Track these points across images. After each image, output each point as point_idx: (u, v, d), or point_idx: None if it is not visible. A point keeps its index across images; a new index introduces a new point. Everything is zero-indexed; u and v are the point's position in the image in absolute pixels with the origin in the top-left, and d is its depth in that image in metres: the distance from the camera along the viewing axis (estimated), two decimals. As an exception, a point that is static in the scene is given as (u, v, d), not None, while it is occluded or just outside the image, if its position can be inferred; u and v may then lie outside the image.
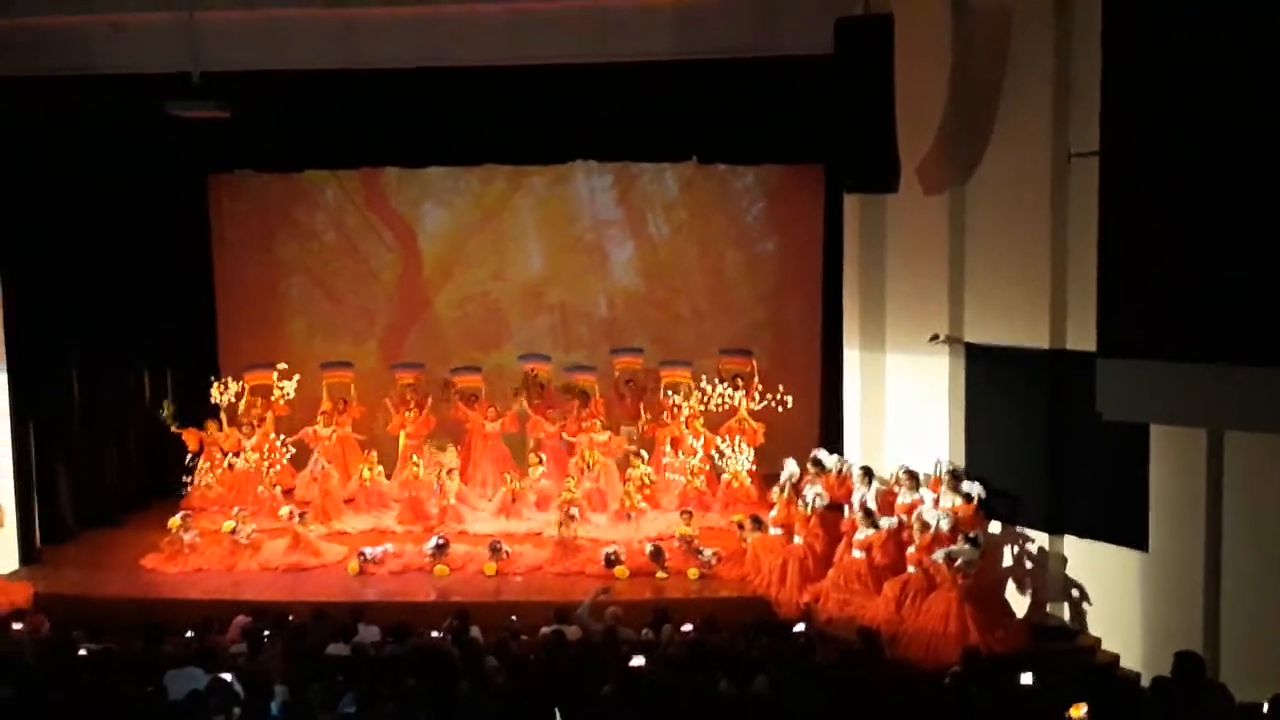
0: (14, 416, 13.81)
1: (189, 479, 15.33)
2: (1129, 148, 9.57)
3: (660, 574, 13.05)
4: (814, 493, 12.60)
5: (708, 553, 13.20)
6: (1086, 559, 11.50)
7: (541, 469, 15.33)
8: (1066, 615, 11.68)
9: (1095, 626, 11.43)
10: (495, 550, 13.44)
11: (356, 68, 13.26)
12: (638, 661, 8.77)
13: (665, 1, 12.69)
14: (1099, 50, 9.63)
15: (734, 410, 15.38)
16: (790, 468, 13.22)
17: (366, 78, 13.40)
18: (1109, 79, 9.59)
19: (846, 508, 12.59)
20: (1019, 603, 11.90)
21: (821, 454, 13.62)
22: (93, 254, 15.10)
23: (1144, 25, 9.36)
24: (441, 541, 13.65)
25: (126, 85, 13.25)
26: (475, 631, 10.49)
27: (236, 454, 15.53)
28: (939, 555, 11.14)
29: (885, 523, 11.97)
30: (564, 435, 15.63)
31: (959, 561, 11.05)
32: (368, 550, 13.58)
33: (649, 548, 13.38)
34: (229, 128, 13.45)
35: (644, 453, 15.33)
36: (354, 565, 13.42)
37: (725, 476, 15.04)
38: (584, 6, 12.75)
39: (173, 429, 15.51)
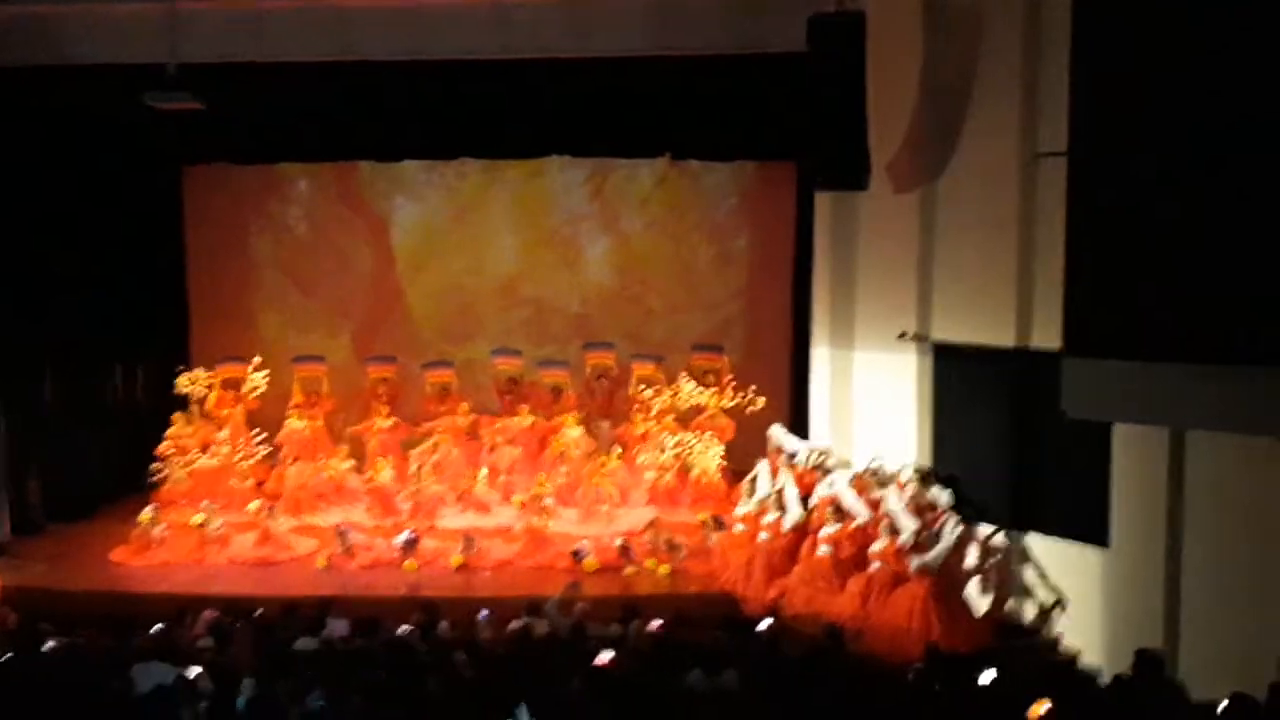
0: (-17, 409, 13.78)
1: (158, 472, 15.24)
2: (1096, 147, 9.64)
3: (629, 569, 13.10)
4: (792, 519, 12.57)
5: (680, 547, 13.26)
6: (1049, 555, 11.60)
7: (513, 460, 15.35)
8: (1029, 612, 11.78)
9: (1057, 624, 11.53)
10: (469, 544, 13.45)
11: (332, 60, 13.25)
12: (604, 658, 8.79)
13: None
14: (1068, 50, 9.71)
15: (704, 406, 15.43)
16: (763, 480, 13.23)
17: (341, 70, 13.40)
18: (1077, 79, 9.67)
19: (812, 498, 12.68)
20: (981, 599, 11.99)
21: (781, 434, 13.63)
22: (65, 245, 15.05)
23: (1113, 25, 9.44)
24: (412, 536, 13.66)
25: (102, 76, 13.19)
26: (444, 626, 10.51)
27: (206, 448, 15.49)
28: (914, 563, 11.25)
29: (861, 511, 12.05)
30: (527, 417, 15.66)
31: (929, 559, 11.18)
32: (350, 533, 13.60)
33: (618, 542, 13.43)
34: (204, 119, 13.45)
35: (618, 448, 15.40)
36: (336, 547, 13.48)
37: (695, 472, 15.08)
38: (559, 1, 12.75)
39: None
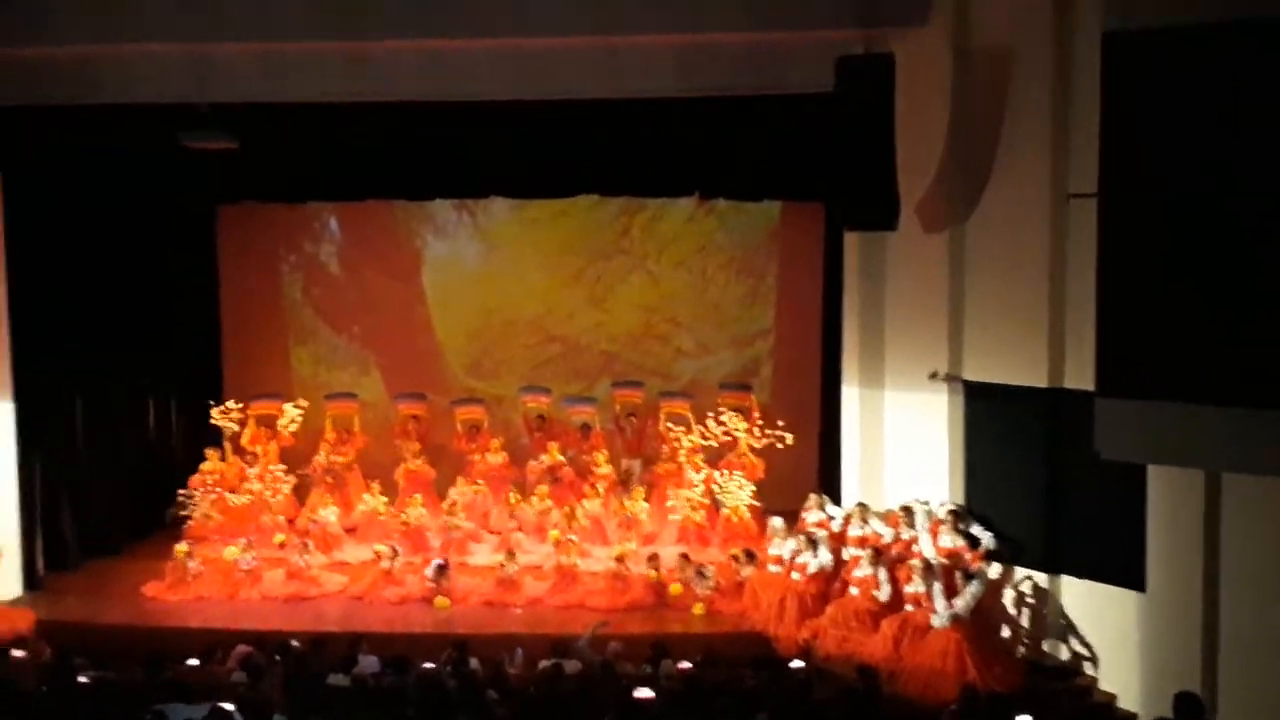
0: (19, 444, 13.86)
1: (187, 507, 15.27)
2: (1128, 189, 9.65)
3: (673, 585, 13.25)
4: (819, 564, 12.55)
5: (709, 574, 13.29)
6: (1084, 599, 11.53)
7: (549, 501, 15.35)
8: (1064, 655, 11.70)
9: (1092, 666, 11.45)
10: (440, 571, 13.54)
11: (363, 100, 13.36)
12: (644, 694, 8.78)
13: (669, 39, 12.78)
14: (1098, 91, 9.74)
15: (734, 444, 15.43)
16: (778, 538, 13.19)
17: (373, 110, 13.50)
18: (1108, 120, 9.68)
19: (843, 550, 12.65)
20: (1017, 642, 11.92)
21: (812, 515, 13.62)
22: (100, 282, 15.20)
23: (1143, 66, 9.46)
24: (442, 563, 13.72)
25: (137, 115, 13.34)
26: (475, 663, 10.51)
27: (239, 484, 15.57)
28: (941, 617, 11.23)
29: (884, 530, 12.02)
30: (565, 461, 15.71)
31: (964, 603, 11.14)
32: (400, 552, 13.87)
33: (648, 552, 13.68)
34: (236, 158, 13.60)
35: (644, 485, 15.42)
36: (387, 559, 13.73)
37: (725, 511, 15.07)
38: (588, 44, 12.85)
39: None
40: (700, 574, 13.31)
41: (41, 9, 12.47)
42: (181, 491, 15.30)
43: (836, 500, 13.76)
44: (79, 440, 15.11)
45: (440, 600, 13.40)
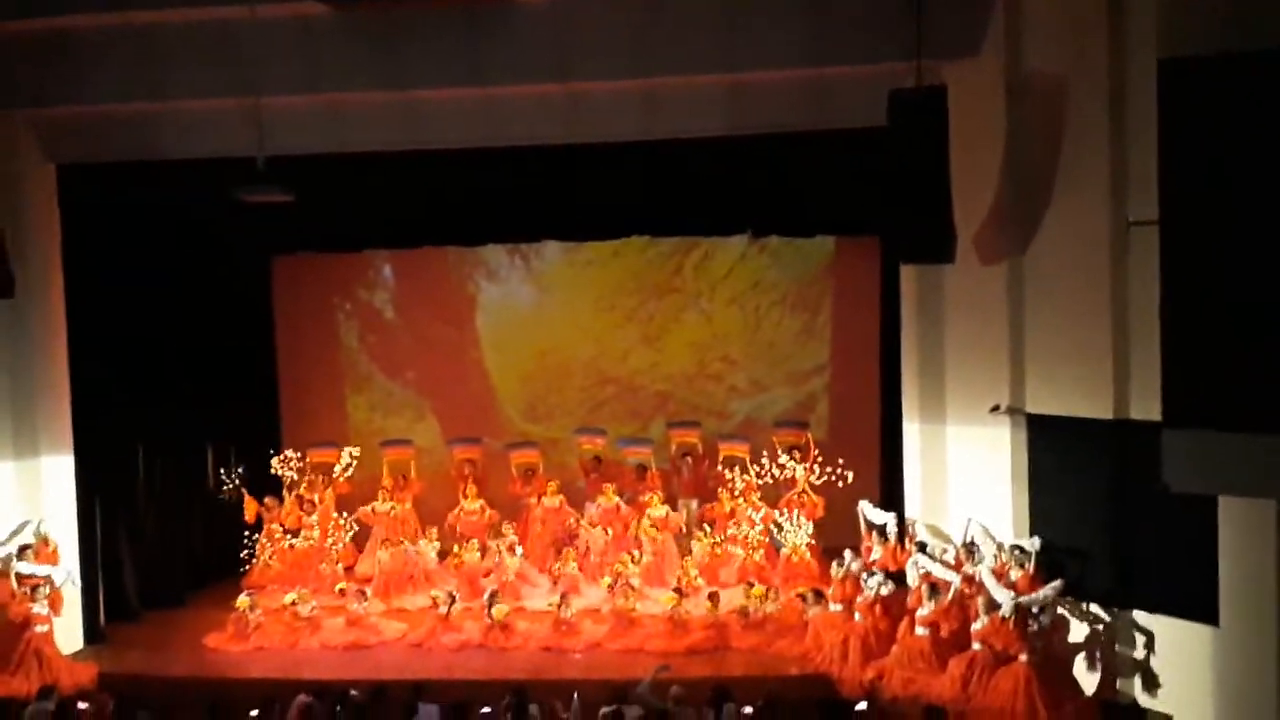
0: (80, 496, 14.00)
1: (250, 556, 15.40)
2: (1189, 215, 9.50)
3: (709, 607, 13.40)
4: (877, 581, 12.45)
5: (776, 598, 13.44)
6: (1156, 634, 11.27)
7: (603, 542, 15.30)
8: (1137, 692, 11.43)
9: (1166, 704, 11.17)
10: (493, 596, 13.71)
11: (414, 149, 13.47)
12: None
13: (718, 79, 12.77)
14: (1155, 116, 9.61)
15: (792, 483, 15.29)
16: (849, 560, 13.07)
17: (424, 158, 13.61)
18: (1165, 146, 9.55)
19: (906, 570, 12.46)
20: (1087, 680, 11.67)
21: (868, 509, 13.50)
22: (158, 334, 15.35)
23: (1199, 92, 9.34)
24: (495, 589, 13.95)
25: (193, 170, 13.52)
26: (534, 710, 10.43)
27: (297, 532, 15.64)
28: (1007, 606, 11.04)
29: (951, 577, 11.84)
30: (621, 505, 15.65)
31: (1034, 626, 10.91)
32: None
33: (707, 591, 13.76)
34: (291, 210, 13.71)
35: (706, 527, 15.32)
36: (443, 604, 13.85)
37: (785, 550, 14.92)
38: (638, 87, 12.88)
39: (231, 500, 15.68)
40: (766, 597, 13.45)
41: (100, 68, 12.70)
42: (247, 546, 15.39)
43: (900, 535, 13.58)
44: (139, 492, 15.24)
45: (498, 609, 13.53)
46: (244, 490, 15.81)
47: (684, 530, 15.55)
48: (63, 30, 12.53)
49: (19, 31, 12.53)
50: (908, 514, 13.51)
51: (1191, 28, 9.56)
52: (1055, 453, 11.98)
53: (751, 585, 13.86)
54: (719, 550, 15.01)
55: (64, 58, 12.71)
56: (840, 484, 14.77)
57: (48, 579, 12.83)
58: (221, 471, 16.06)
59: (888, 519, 13.40)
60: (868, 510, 13.70)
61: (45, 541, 13.30)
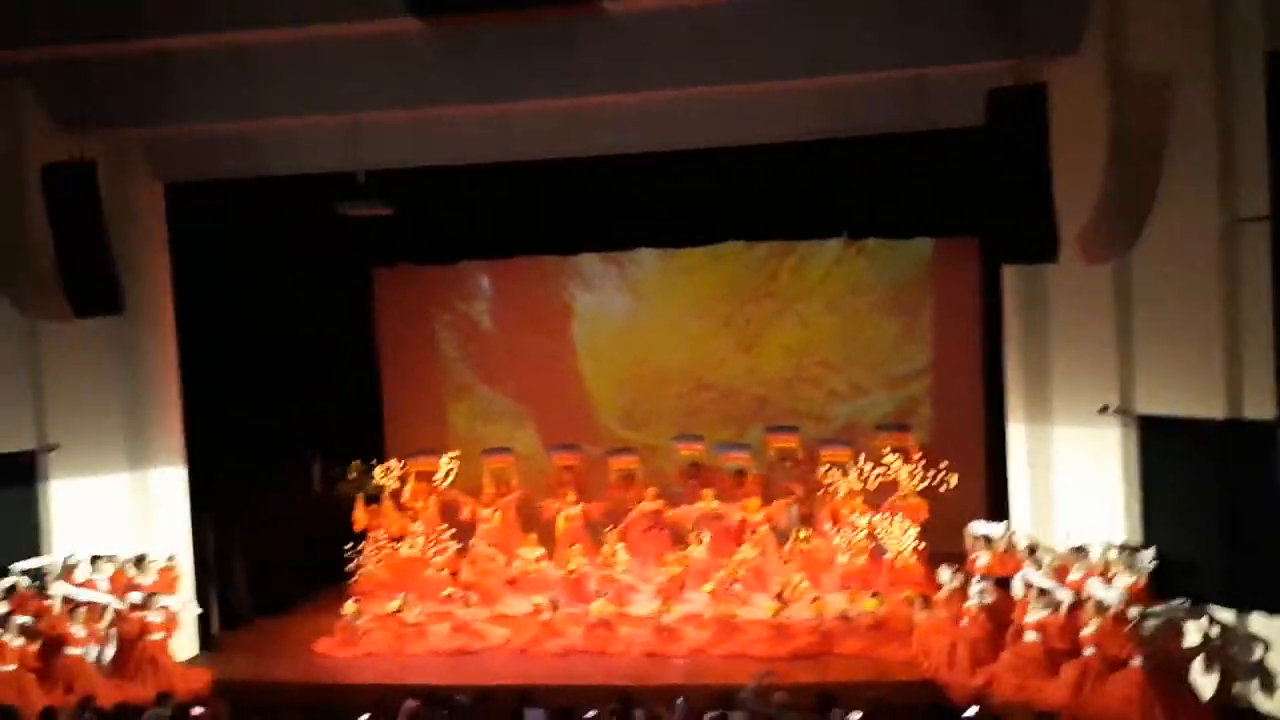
0: (193, 508, 14.34)
1: (356, 563, 15.64)
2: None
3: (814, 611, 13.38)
4: (979, 589, 12.30)
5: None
6: (1275, 636, 10.97)
7: (703, 546, 15.29)
8: (1257, 696, 11.14)
9: (1288, 708, 10.89)
10: (555, 606, 13.86)
11: (509, 160, 13.59)
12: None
13: (811, 83, 12.71)
14: (1264, 110, 9.39)
15: (895, 487, 15.15)
16: (950, 578, 12.92)
17: (518, 170, 13.74)
18: (1275, 139, 9.33)
19: (1013, 582, 12.27)
20: (1204, 684, 11.40)
21: (981, 526, 13.34)
22: (265, 347, 15.67)
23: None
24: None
25: (295, 186, 13.78)
26: (639, 715, 10.43)
27: (400, 539, 15.84)
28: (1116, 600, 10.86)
29: (1063, 594, 11.61)
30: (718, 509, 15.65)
31: (1149, 625, 10.72)
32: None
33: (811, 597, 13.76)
34: (390, 222, 13.94)
35: (806, 531, 15.25)
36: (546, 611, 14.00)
37: (889, 555, 14.79)
38: (731, 92, 12.86)
39: (360, 498, 15.95)
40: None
41: (204, 88, 12.98)
42: (349, 548, 15.66)
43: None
44: (249, 501, 15.55)
45: (597, 606, 13.86)
46: (362, 484, 16.01)
47: (791, 532, 15.45)
48: (167, 52, 12.80)
49: (125, 53, 12.83)
50: (1014, 517, 13.34)
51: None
52: (1166, 454, 11.73)
53: (851, 591, 13.81)
54: (809, 544, 14.93)
55: (169, 79, 12.99)
56: (943, 488, 14.60)
57: (163, 605, 13.11)
58: (336, 469, 16.34)
59: (995, 530, 13.21)
60: (977, 528, 13.46)
61: (169, 569, 13.59)
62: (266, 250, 15.51)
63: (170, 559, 13.66)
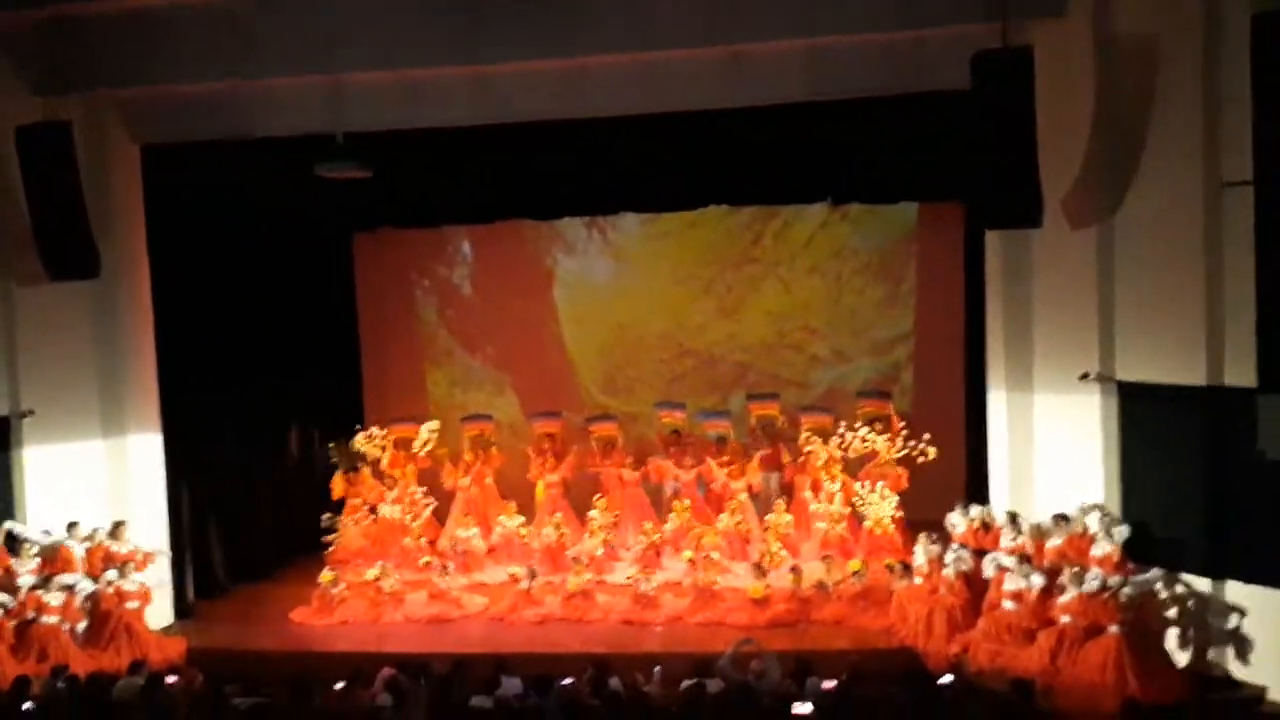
0: (168, 476, 14.22)
1: (332, 533, 15.56)
2: (1285, 175, 9.20)
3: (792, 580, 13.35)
4: (955, 556, 12.27)
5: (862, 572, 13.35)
6: (1251, 604, 10.97)
7: (688, 514, 15.25)
8: (1230, 663, 11.14)
9: (1260, 674, 10.88)
10: (532, 575, 13.77)
11: (491, 123, 13.43)
12: (802, 710, 8.58)
13: (797, 45, 12.57)
14: (1249, 74, 9.29)
15: (874, 455, 15.09)
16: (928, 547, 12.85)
17: (501, 132, 13.56)
18: (1260, 105, 9.24)
19: (984, 563, 12.22)
20: (1179, 651, 11.40)
21: (956, 516, 13.27)
22: (242, 312, 15.53)
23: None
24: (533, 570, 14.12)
25: (274, 148, 13.61)
26: (615, 683, 10.40)
27: (376, 508, 15.76)
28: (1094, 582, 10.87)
29: (1036, 580, 11.58)
30: (700, 477, 15.60)
31: (1118, 592, 10.72)
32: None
33: (789, 565, 13.66)
34: (371, 185, 13.78)
35: (784, 499, 15.21)
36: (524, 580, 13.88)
37: (868, 523, 14.75)
38: (715, 53, 12.71)
39: (338, 467, 15.87)
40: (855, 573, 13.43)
41: (181, 48, 12.80)
42: (326, 516, 15.57)
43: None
44: (225, 468, 15.45)
45: (574, 579, 13.81)
46: (348, 457, 15.94)
47: (768, 502, 15.40)
48: (143, 11, 12.64)
49: (100, 13, 12.66)
50: (994, 484, 13.31)
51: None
52: (1147, 420, 11.69)
53: (828, 558, 13.79)
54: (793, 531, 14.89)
55: (145, 39, 12.83)
56: (921, 458, 14.55)
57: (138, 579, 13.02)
58: (319, 441, 16.26)
59: (972, 514, 13.15)
60: (953, 519, 13.37)
61: (148, 554, 13.44)
62: (245, 214, 15.36)
63: (149, 551, 13.48)
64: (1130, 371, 11.80)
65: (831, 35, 12.36)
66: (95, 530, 13.26)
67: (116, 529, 13.37)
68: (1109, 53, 11.70)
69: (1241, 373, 10.35)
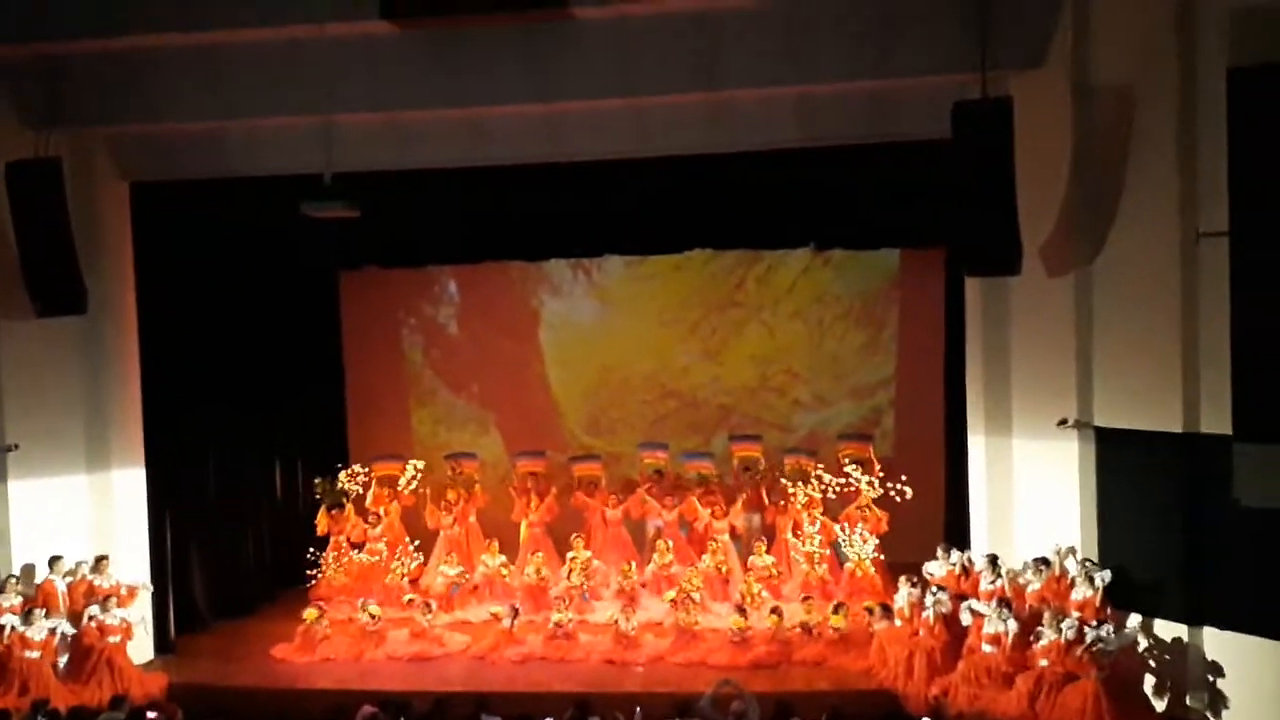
0: (151, 510, 14.21)
1: (316, 569, 15.55)
2: (1260, 226, 9.38)
3: (774, 621, 13.37)
4: (934, 599, 12.35)
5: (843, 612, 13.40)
6: (1228, 651, 11.07)
7: (670, 556, 15.30)
8: (1207, 710, 11.22)
9: (1240, 720, 10.99)
10: (515, 614, 13.82)
11: (478, 165, 13.57)
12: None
13: (781, 93, 12.77)
14: (1225, 126, 9.49)
15: (855, 496, 15.19)
16: (908, 590, 12.93)
17: (488, 174, 13.70)
18: (1236, 156, 9.43)
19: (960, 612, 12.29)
20: (1157, 697, 11.48)
21: (934, 565, 13.35)
22: (228, 348, 15.56)
23: (1271, 99, 9.22)
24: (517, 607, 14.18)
25: (263, 187, 13.71)
26: (596, 723, 10.44)
27: (361, 545, 15.77)
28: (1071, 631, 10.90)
29: (1013, 625, 11.66)
30: (682, 517, 15.65)
31: (1096, 647, 10.79)
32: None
33: (770, 606, 13.68)
34: (357, 225, 13.86)
35: (765, 540, 15.29)
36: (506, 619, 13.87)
37: (848, 565, 14.83)
38: (701, 100, 12.88)
39: (324, 504, 15.89)
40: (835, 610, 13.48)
41: (172, 86, 12.92)
42: (310, 552, 15.59)
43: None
44: (209, 503, 15.44)
45: (558, 616, 13.86)
46: (333, 495, 15.97)
47: (749, 544, 15.47)
48: (135, 50, 12.74)
49: (92, 52, 12.77)
50: (973, 529, 13.41)
51: (1261, 37, 9.45)
52: (1124, 466, 11.81)
53: (808, 599, 13.84)
54: (777, 571, 14.94)
55: (136, 78, 12.94)
56: (899, 499, 14.66)
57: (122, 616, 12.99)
58: (303, 478, 16.30)
59: (950, 562, 13.23)
60: (930, 567, 13.44)
61: (131, 589, 13.41)
62: (232, 251, 15.42)
63: (132, 586, 13.46)
64: (1108, 417, 11.93)
65: (815, 84, 12.55)
66: (79, 564, 13.26)
67: (99, 563, 13.37)
68: (1087, 104, 11.90)
69: (1217, 420, 10.49)
